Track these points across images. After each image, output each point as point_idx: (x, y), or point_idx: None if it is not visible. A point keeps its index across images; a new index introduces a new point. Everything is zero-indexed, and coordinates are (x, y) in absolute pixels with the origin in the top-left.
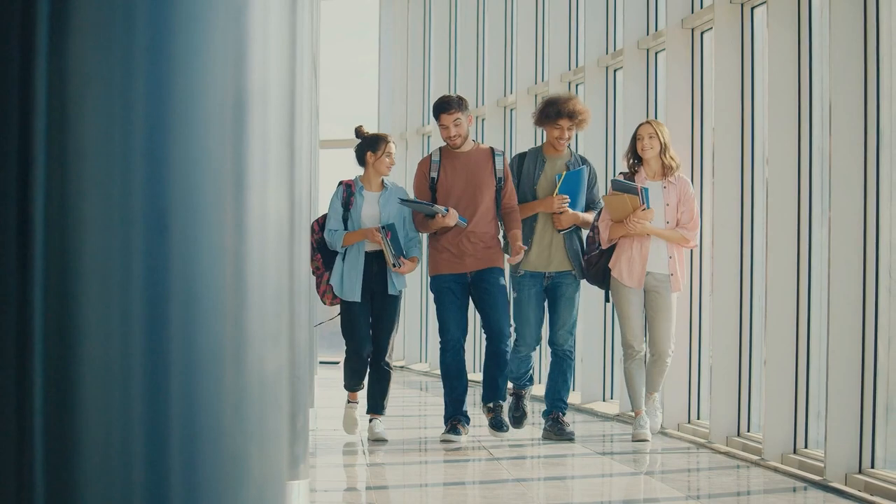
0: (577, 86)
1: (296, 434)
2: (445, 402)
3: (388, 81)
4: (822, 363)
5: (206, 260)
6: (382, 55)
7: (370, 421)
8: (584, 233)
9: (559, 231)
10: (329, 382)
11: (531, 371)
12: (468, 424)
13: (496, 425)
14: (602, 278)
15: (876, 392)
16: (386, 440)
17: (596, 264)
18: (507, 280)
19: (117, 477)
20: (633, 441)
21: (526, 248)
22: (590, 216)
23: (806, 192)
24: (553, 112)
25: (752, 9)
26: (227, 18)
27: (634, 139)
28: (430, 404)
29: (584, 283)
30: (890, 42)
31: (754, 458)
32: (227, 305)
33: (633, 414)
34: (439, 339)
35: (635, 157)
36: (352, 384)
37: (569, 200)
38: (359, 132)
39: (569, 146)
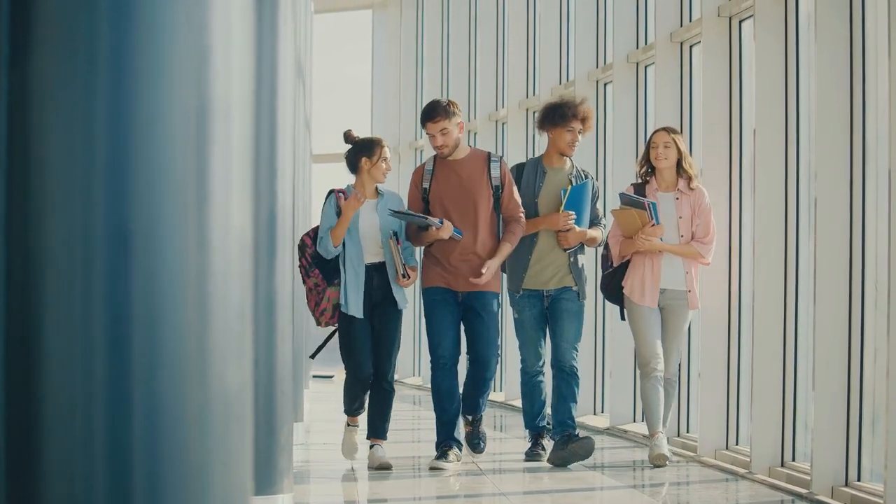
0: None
1: (279, 448)
2: (437, 425)
3: (380, 95)
4: (809, 376)
5: (168, 275)
6: (375, 69)
7: (371, 447)
8: (589, 249)
9: (565, 250)
10: (322, 396)
11: (544, 405)
12: (461, 450)
13: (473, 443)
14: (617, 295)
15: (862, 405)
16: (390, 467)
17: (610, 283)
18: (503, 301)
19: (80, 490)
20: (652, 463)
21: (483, 274)
22: (595, 232)
23: (793, 204)
24: (569, 113)
25: (741, 22)
26: (189, 34)
27: (648, 147)
28: (423, 418)
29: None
30: (876, 55)
31: (742, 471)
32: (190, 320)
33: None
34: (430, 357)
35: (648, 166)
36: (352, 408)
37: (575, 217)
38: (348, 137)
39: (570, 158)
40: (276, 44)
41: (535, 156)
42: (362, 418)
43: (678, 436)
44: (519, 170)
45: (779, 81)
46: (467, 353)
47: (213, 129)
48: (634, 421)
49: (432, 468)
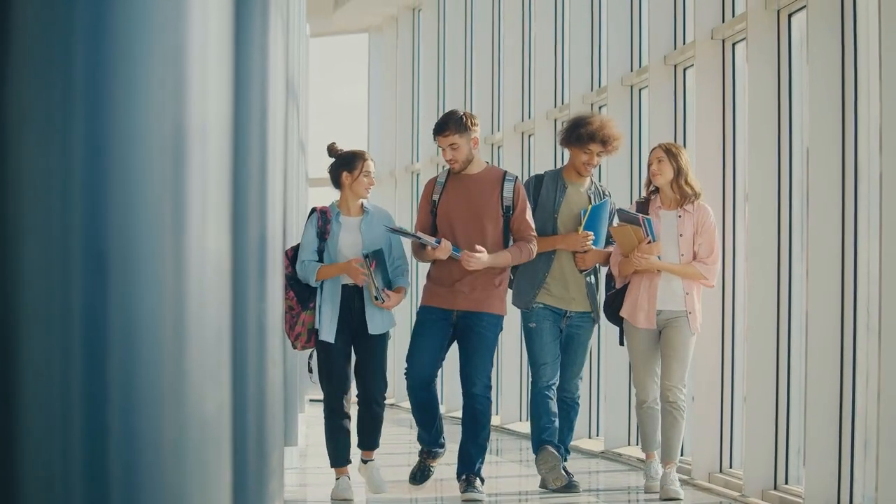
0: (562, 123)
1: (270, 472)
2: (419, 433)
3: (376, 118)
4: (802, 399)
5: (144, 298)
6: (371, 92)
7: (364, 462)
8: (604, 269)
9: (581, 271)
10: (320, 420)
11: (554, 424)
12: (443, 449)
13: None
14: (618, 317)
15: (854, 428)
16: (387, 491)
17: (612, 304)
18: (501, 325)
19: None
20: (645, 492)
21: (457, 254)
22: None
23: (785, 226)
24: (585, 135)
25: (734, 45)
26: (165, 58)
27: (648, 161)
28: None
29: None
30: (868, 77)
31: (735, 494)
32: (166, 344)
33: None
34: (405, 372)
35: (646, 182)
36: (337, 453)
37: (593, 238)
38: (331, 150)
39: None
40: (266, 67)
41: (556, 168)
42: (352, 468)
43: None
44: (538, 181)
45: (771, 103)
46: (459, 379)
47: (189, 153)
48: (629, 444)
49: (411, 482)
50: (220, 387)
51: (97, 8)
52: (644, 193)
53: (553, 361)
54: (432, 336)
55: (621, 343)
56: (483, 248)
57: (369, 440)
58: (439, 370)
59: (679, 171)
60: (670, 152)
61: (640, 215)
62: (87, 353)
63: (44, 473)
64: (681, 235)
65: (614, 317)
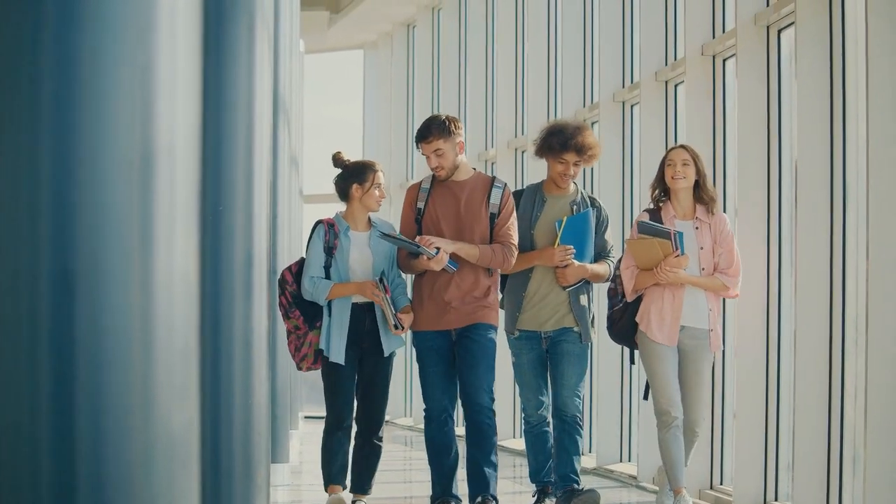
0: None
1: (256, 489)
2: (432, 478)
3: (371, 134)
4: (791, 415)
5: (111, 316)
6: (367, 108)
7: (353, 503)
8: (596, 285)
9: (564, 288)
10: (315, 438)
11: (550, 457)
12: None
13: None
14: (628, 335)
15: (843, 444)
16: None
17: (620, 320)
18: (497, 337)
19: None
20: None
21: (433, 254)
22: (600, 267)
23: (775, 242)
24: (557, 143)
25: (724, 61)
26: (133, 76)
27: (663, 166)
28: (414, 458)
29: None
30: (856, 93)
31: None
32: (134, 362)
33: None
34: (423, 407)
35: (662, 189)
36: (332, 470)
37: (573, 251)
38: (337, 160)
39: (575, 183)
40: (252, 84)
41: (536, 182)
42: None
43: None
44: (516, 197)
45: (761, 118)
46: (460, 398)
47: (157, 171)
48: (621, 461)
49: None
50: (188, 403)
51: (65, 25)
52: (651, 201)
53: (535, 394)
54: (437, 363)
55: (632, 361)
56: (440, 243)
57: (363, 481)
58: (457, 399)
59: (702, 176)
60: (694, 155)
61: (671, 229)
62: (54, 370)
63: (12, 487)
64: (701, 248)
65: (622, 335)
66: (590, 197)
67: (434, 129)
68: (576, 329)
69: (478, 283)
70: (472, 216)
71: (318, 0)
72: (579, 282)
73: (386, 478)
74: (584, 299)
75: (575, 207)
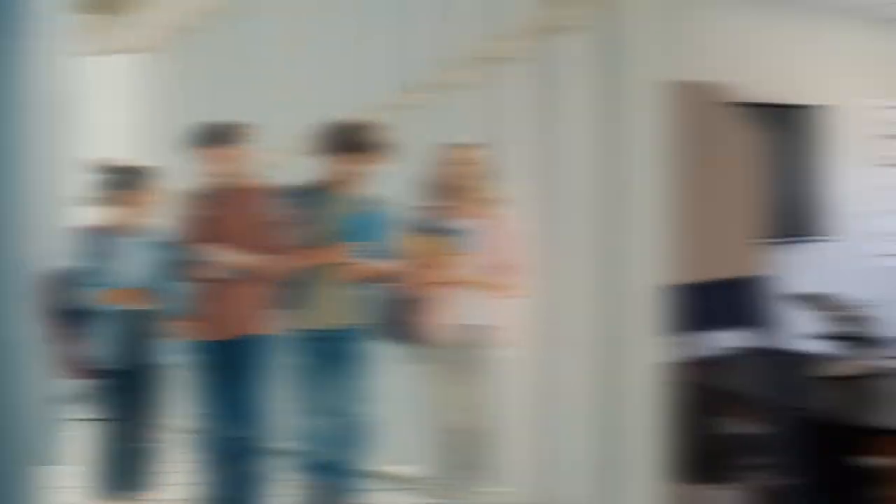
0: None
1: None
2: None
3: (157, 139)
4: None
5: None
6: (150, 112)
7: None
8: (385, 284)
9: (349, 285)
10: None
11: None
12: None
13: None
14: (408, 336)
15: None
16: None
17: (399, 320)
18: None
19: None
20: None
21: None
22: (386, 267)
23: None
24: (338, 142)
25: (499, 65)
26: None
27: (441, 165)
28: None
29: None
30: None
31: None
32: None
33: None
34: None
35: (441, 188)
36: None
37: (356, 249)
38: (108, 166)
39: (359, 182)
40: (16, 89)
41: (317, 179)
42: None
43: None
44: (297, 194)
45: (540, 120)
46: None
47: None
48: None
49: None
50: None
51: None
52: (425, 197)
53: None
54: (220, 379)
55: (411, 362)
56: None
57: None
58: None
59: (484, 175)
60: (477, 153)
61: (450, 226)
62: None
63: None
64: (482, 246)
65: (401, 336)
66: (376, 195)
67: (219, 135)
68: (358, 327)
69: (251, 286)
70: (247, 220)
71: (102, 3)
72: (360, 281)
73: None
74: (367, 298)
75: (358, 205)
